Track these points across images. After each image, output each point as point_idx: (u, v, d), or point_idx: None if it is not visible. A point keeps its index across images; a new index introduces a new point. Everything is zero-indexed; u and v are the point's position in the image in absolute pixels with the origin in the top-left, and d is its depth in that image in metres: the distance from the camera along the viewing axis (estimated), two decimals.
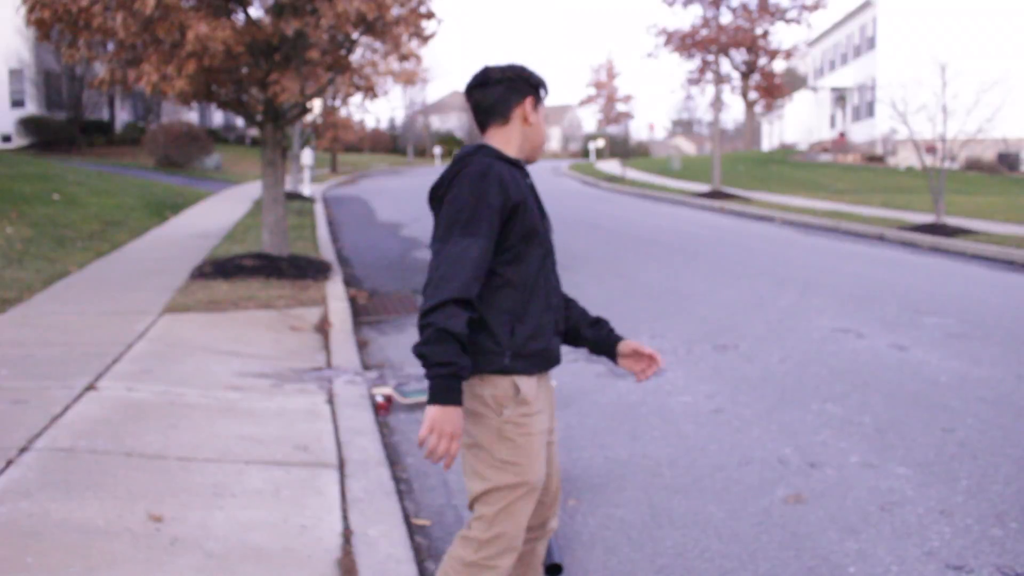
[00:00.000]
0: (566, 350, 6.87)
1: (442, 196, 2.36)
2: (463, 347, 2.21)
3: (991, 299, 8.71)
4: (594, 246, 12.89)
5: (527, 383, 2.38)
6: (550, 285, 2.46)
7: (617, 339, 2.65)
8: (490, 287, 2.34)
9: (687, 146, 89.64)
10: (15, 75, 30.20)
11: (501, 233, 2.33)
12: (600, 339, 2.65)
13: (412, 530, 3.67)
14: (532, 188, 2.53)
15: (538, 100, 2.52)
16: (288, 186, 20.92)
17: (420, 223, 16.47)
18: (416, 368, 6.25)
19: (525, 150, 2.54)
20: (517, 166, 2.48)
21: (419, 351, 2.20)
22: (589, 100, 43.69)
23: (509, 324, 2.36)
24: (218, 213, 16.62)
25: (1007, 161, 33.09)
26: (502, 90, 2.46)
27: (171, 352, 6.07)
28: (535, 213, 2.44)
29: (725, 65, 23.97)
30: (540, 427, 2.41)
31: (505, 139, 2.49)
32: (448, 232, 2.28)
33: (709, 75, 23.91)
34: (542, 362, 2.42)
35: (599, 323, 2.68)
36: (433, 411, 2.20)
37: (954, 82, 14.84)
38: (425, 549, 3.55)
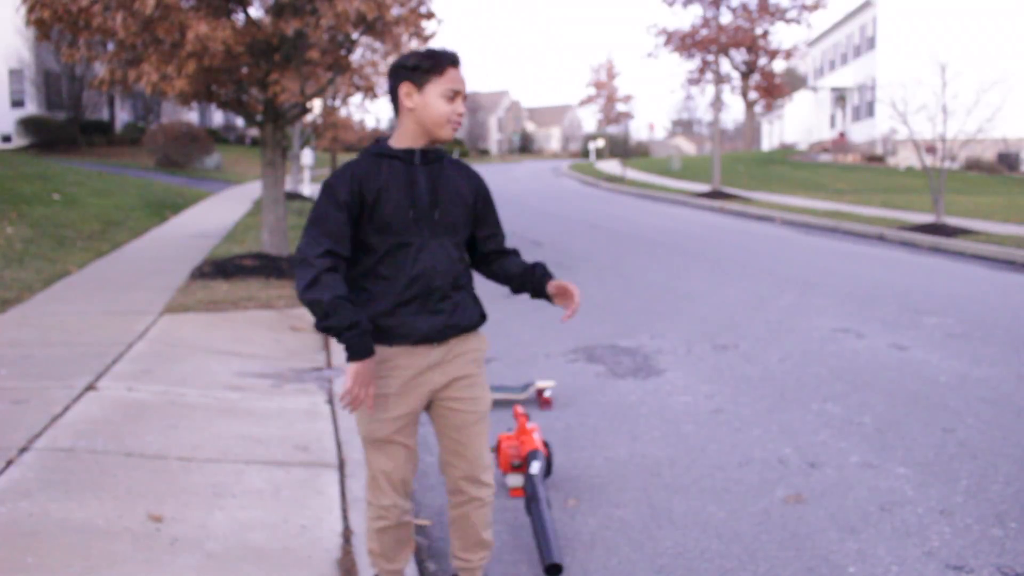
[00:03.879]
0: (563, 349, 6.85)
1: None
2: (352, 303, 2.51)
3: (991, 299, 8.71)
4: (594, 246, 12.89)
5: (389, 352, 2.65)
6: (416, 271, 2.62)
7: (545, 280, 2.83)
8: (355, 270, 2.65)
9: (687, 146, 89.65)
10: (15, 75, 30.20)
11: (357, 225, 2.60)
12: (531, 283, 2.85)
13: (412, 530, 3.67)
14: (416, 176, 2.64)
15: (417, 82, 2.60)
16: (288, 186, 20.94)
17: None
18: None
19: (422, 133, 2.65)
20: (400, 158, 2.65)
21: (321, 324, 2.49)
22: (589, 100, 43.69)
23: (362, 301, 2.62)
24: (218, 213, 16.63)
25: (1007, 161, 33.09)
26: (390, 84, 2.66)
27: (171, 352, 6.07)
28: (395, 206, 2.60)
29: (725, 65, 23.98)
30: (384, 390, 2.65)
31: (401, 126, 2.67)
32: (308, 222, 2.59)
33: (709, 75, 23.91)
34: (398, 336, 2.64)
35: (531, 268, 2.86)
36: (353, 366, 2.51)
37: (954, 82, 14.84)
38: (425, 549, 3.55)
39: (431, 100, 2.60)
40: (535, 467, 3.80)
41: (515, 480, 4.01)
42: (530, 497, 3.59)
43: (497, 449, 4.13)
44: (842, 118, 41.26)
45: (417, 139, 2.66)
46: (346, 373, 2.53)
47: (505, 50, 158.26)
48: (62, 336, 6.36)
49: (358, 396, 2.53)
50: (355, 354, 2.51)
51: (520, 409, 4.37)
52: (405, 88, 2.61)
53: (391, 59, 11.38)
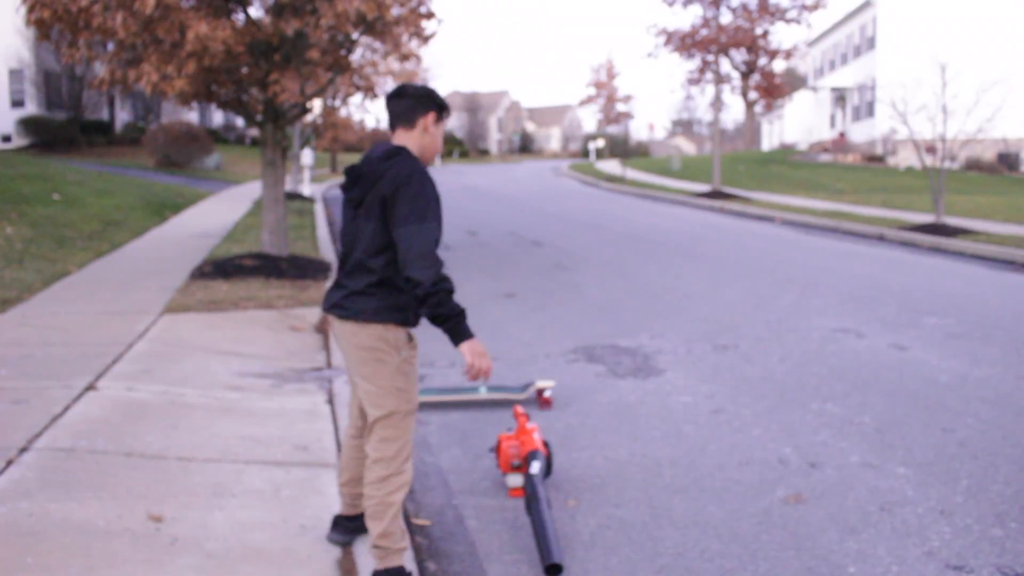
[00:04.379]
0: (563, 349, 6.85)
1: (395, 186, 2.96)
2: None
3: (991, 299, 8.71)
4: (594, 246, 12.89)
5: (413, 333, 3.13)
6: None
7: None
8: (393, 266, 3.01)
9: (687, 146, 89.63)
10: (15, 75, 30.18)
11: None
12: None
13: (412, 530, 3.67)
14: None
15: (439, 117, 3.15)
16: (288, 186, 20.93)
17: None
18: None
19: (422, 154, 3.14)
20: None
21: (441, 310, 2.92)
22: (589, 100, 43.70)
23: (396, 292, 3.04)
24: (218, 213, 16.63)
25: (1007, 161, 33.08)
26: (412, 102, 3.11)
27: (171, 352, 6.07)
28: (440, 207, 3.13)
29: (725, 65, 23.98)
30: (414, 367, 3.15)
31: (409, 142, 3.11)
32: (422, 216, 2.93)
33: (709, 75, 23.90)
34: (417, 320, 3.13)
35: None
36: (470, 344, 2.96)
37: (954, 82, 14.84)
38: (425, 549, 3.55)
39: (439, 135, 3.18)
40: (535, 467, 3.80)
41: (515, 480, 4.01)
42: (530, 497, 3.59)
43: (497, 449, 4.13)
44: (842, 118, 41.26)
45: (419, 157, 3.15)
46: (466, 352, 2.95)
47: (505, 50, 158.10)
48: (62, 336, 6.36)
49: (484, 367, 2.96)
50: (468, 333, 2.96)
51: (520, 409, 4.37)
52: (432, 117, 3.12)
53: (391, 59, 11.37)
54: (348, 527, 3.37)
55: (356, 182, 3.06)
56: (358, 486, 3.29)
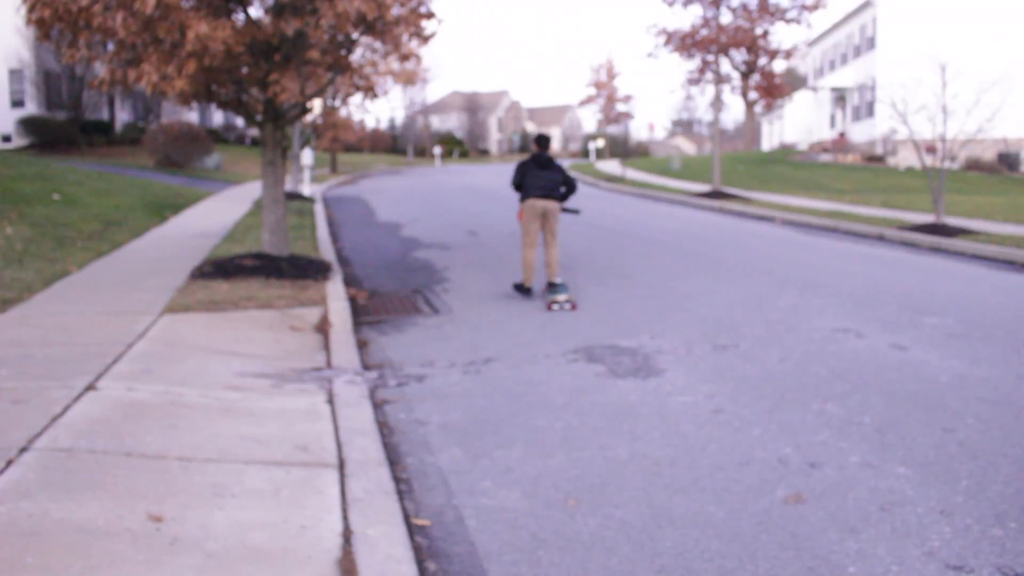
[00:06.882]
0: (563, 349, 6.84)
1: (560, 170, 8.95)
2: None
3: (991, 299, 8.71)
4: (594, 246, 12.89)
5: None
6: None
7: None
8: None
9: (687, 146, 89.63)
10: (15, 75, 30.20)
11: None
12: None
13: (412, 530, 3.67)
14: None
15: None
16: (288, 186, 20.93)
17: (420, 223, 16.44)
18: (415, 368, 6.25)
19: None
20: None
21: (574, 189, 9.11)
22: (589, 100, 43.71)
23: None
24: (218, 213, 16.62)
25: (1007, 161, 33.07)
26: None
27: (171, 352, 6.07)
28: None
29: (725, 65, 23.96)
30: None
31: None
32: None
33: (709, 75, 23.89)
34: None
35: None
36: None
37: (954, 82, 14.83)
38: (425, 549, 3.55)
39: None
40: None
41: None
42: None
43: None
44: (842, 118, 41.26)
45: None
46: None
47: (505, 50, 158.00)
48: (62, 336, 6.36)
49: None
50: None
51: None
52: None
53: (391, 59, 11.38)
54: None
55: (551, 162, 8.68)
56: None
